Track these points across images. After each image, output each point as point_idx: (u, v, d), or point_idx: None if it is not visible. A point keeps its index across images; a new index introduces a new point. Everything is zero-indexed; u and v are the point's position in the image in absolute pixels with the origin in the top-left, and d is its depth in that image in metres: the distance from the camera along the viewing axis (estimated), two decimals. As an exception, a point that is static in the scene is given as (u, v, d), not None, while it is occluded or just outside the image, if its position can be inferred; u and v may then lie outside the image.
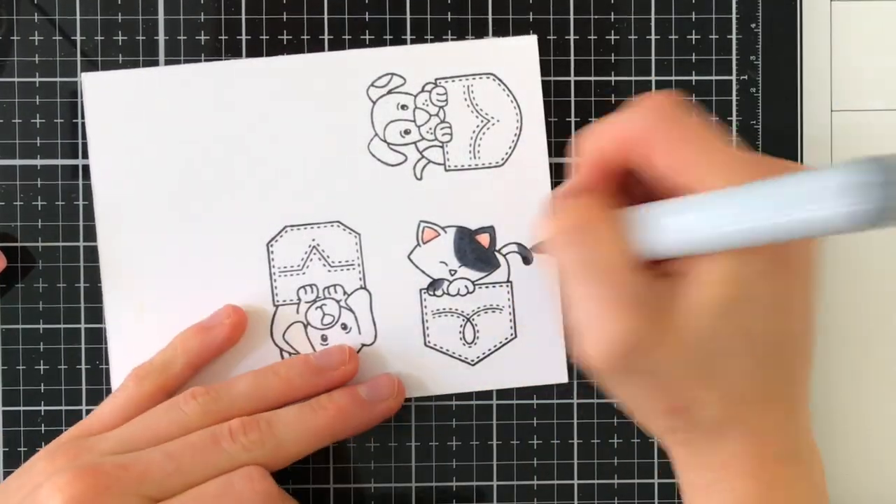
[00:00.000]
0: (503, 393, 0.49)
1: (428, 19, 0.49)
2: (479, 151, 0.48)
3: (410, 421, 0.49)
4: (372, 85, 0.48)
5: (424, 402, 0.49)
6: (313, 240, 0.48)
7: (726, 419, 0.38)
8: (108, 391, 0.48)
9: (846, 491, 0.50)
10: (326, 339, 0.49)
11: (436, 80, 0.48)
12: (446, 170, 0.48)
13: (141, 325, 0.48)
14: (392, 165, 0.48)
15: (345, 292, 0.48)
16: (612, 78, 0.49)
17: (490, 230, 0.48)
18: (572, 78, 0.49)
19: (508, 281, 0.49)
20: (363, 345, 0.49)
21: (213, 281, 0.48)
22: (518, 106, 0.48)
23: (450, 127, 0.48)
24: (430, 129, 0.48)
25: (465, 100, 0.48)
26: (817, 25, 0.50)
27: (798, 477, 0.39)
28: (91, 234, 0.48)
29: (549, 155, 0.49)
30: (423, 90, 0.48)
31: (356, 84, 0.48)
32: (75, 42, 0.48)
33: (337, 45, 0.49)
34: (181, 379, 0.47)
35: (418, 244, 0.48)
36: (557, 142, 0.49)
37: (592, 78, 0.49)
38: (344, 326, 0.49)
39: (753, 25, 0.49)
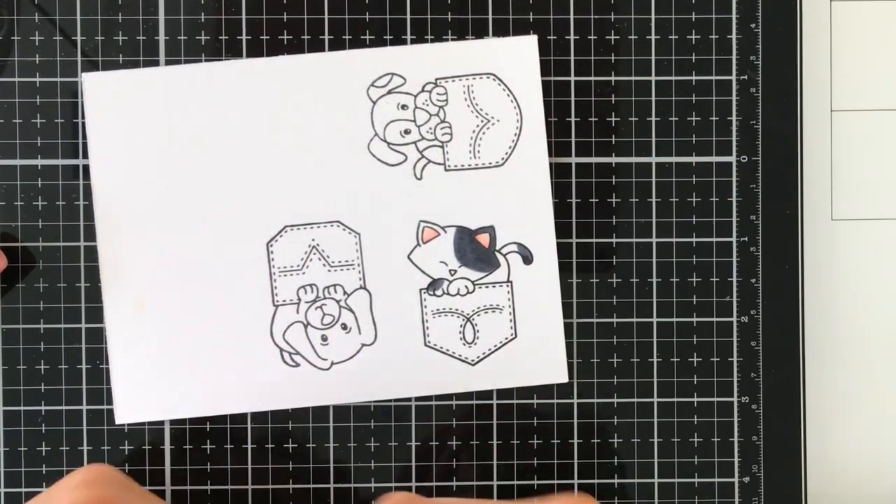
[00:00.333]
0: (503, 393, 0.49)
1: (428, 19, 0.49)
2: (479, 151, 0.48)
3: (410, 421, 0.49)
4: (372, 85, 0.48)
5: (424, 402, 0.49)
6: (313, 239, 0.48)
7: None
8: (108, 391, 0.48)
9: (846, 490, 0.50)
10: (326, 339, 0.49)
11: (436, 79, 0.48)
12: (446, 169, 0.48)
13: (141, 324, 0.48)
14: (392, 165, 0.48)
15: (345, 292, 0.48)
16: (612, 78, 0.49)
17: (490, 230, 0.48)
18: (572, 78, 0.49)
19: (508, 281, 0.49)
20: (363, 345, 0.49)
21: (212, 280, 0.48)
22: (518, 106, 0.48)
23: (450, 127, 0.48)
24: (431, 128, 0.48)
25: (466, 100, 0.48)
26: (817, 25, 0.50)
27: None
28: (91, 233, 0.48)
29: (549, 155, 0.49)
30: (423, 90, 0.48)
31: (356, 84, 0.48)
32: (76, 42, 0.48)
33: (337, 45, 0.49)
34: None
35: (418, 244, 0.48)
36: (557, 142, 0.49)
37: (592, 78, 0.49)
38: (344, 326, 0.49)
39: (753, 25, 0.49)
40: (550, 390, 0.49)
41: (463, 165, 0.48)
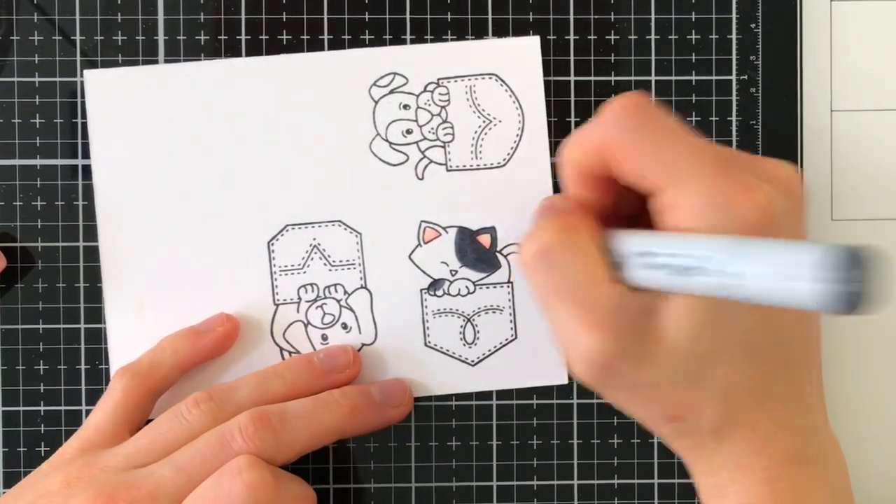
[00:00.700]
0: (503, 393, 0.49)
1: (428, 19, 0.49)
2: (480, 152, 0.48)
3: (410, 421, 0.49)
4: (374, 84, 0.48)
5: (424, 402, 0.49)
6: (314, 239, 0.48)
7: (727, 423, 0.38)
8: (108, 391, 0.48)
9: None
10: (327, 339, 0.48)
11: (438, 80, 0.48)
12: (448, 170, 0.48)
13: (141, 324, 0.48)
14: (393, 165, 0.48)
15: (345, 292, 0.48)
16: (612, 78, 0.49)
17: (491, 230, 0.48)
18: (572, 78, 0.49)
19: (509, 282, 0.49)
20: (363, 344, 0.49)
21: (213, 280, 0.48)
22: (520, 106, 0.48)
23: (452, 127, 0.48)
24: (432, 128, 0.48)
25: (468, 100, 0.48)
26: (817, 25, 0.50)
27: (810, 476, 0.39)
28: (91, 233, 0.48)
29: (551, 155, 0.49)
30: (425, 90, 0.48)
31: (358, 83, 0.48)
32: (75, 42, 0.48)
33: (336, 45, 0.49)
34: (168, 381, 0.46)
35: (419, 244, 0.48)
36: (558, 142, 0.49)
37: (592, 78, 0.49)
38: (344, 326, 0.49)
39: (753, 25, 0.49)
40: (550, 390, 0.49)
41: (465, 166, 0.48)
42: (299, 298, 0.48)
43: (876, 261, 0.29)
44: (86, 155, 0.48)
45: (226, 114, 0.48)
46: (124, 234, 0.48)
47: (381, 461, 0.49)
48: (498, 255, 0.49)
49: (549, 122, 0.49)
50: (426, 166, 0.48)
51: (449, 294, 0.49)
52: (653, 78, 0.49)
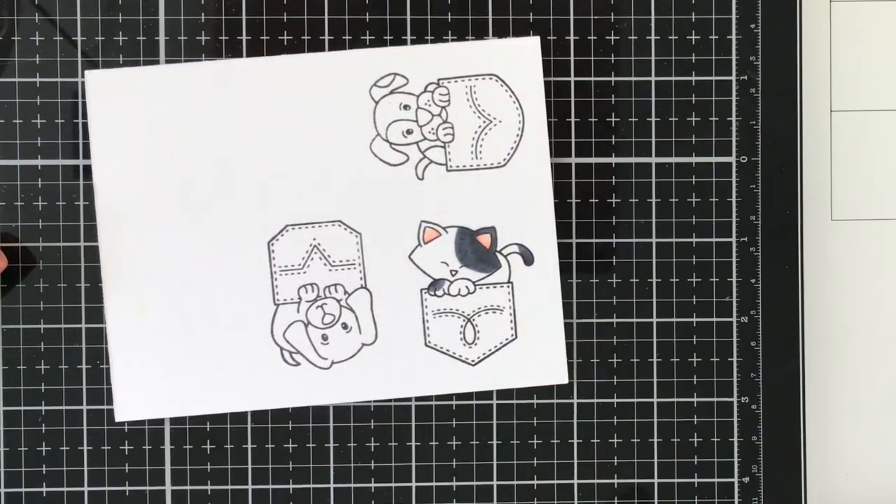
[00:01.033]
0: (503, 393, 0.49)
1: (428, 20, 0.49)
2: (480, 152, 0.48)
3: (411, 421, 0.49)
4: (374, 85, 0.48)
5: (424, 402, 0.49)
6: (314, 239, 0.48)
7: None
8: (108, 391, 0.48)
9: (846, 490, 0.50)
10: (327, 339, 0.49)
11: (438, 80, 0.48)
12: (448, 170, 0.48)
13: (142, 324, 0.48)
14: (394, 165, 0.48)
15: (345, 291, 0.48)
16: (612, 78, 0.49)
17: (491, 230, 0.48)
18: (572, 78, 0.49)
19: (509, 282, 0.49)
20: (363, 344, 0.49)
21: (213, 279, 0.48)
22: (520, 107, 0.48)
23: (452, 127, 0.48)
24: (433, 129, 0.48)
25: (468, 100, 0.48)
26: (817, 25, 0.50)
27: None
28: (91, 234, 0.48)
29: (551, 155, 0.49)
30: (425, 90, 0.48)
31: (359, 84, 0.48)
32: (76, 42, 0.48)
33: (337, 45, 0.49)
34: None
35: (419, 244, 0.48)
36: (557, 142, 0.49)
37: (592, 78, 0.49)
38: (344, 326, 0.49)
39: (753, 25, 0.49)
40: (550, 390, 0.49)
41: (464, 166, 0.48)
42: (299, 298, 0.48)
43: None
44: (87, 155, 0.48)
45: (226, 114, 0.48)
46: (124, 234, 0.48)
47: (382, 460, 0.49)
48: (498, 255, 0.49)
49: (548, 123, 0.49)
50: (426, 166, 0.48)
51: (449, 294, 0.49)
52: (653, 78, 0.49)
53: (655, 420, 0.49)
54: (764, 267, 0.49)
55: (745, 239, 0.49)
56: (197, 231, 0.48)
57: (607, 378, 0.49)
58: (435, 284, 0.49)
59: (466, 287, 0.49)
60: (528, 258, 0.49)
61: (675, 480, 0.49)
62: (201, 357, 0.48)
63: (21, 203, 0.48)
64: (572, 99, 0.49)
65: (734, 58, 0.49)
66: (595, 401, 0.49)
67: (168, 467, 0.49)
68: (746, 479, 0.49)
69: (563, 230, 0.49)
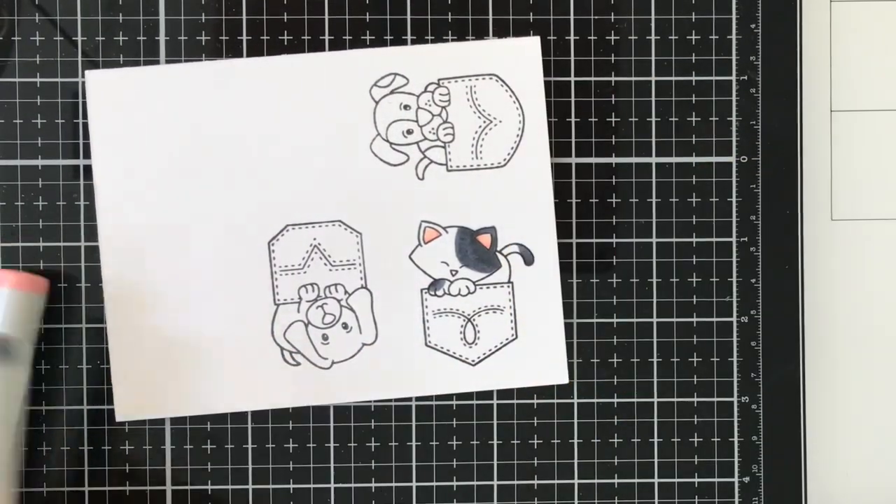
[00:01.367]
0: (503, 393, 0.49)
1: (428, 20, 0.49)
2: (481, 152, 0.48)
3: (411, 421, 0.49)
4: (375, 85, 0.48)
5: (425, 402, 0.49)
6: (314, 239, 0.48)
7: None
8: (108, 391, 0.48)
9: (846, 490, 0.50)
10: (327, 339, 0.49)
11: (439, 80, 0.48)
12: (448, 170, 0.48)
13: (141, 324, 0.48)
14: (394, 165, 0.48)
15: (346, 291, 0.48)
16: (612, 78, 0.49)
17: (491, 230, 0.48)
18: (572, 78, 0.49)
19: (509, 281, 0.49)
20: (364, 344, 0.49)
21: (213, 279, 0.48)
22: (520, 107, 0.48)
23: (452, 127, 0.48)
24: (433, 129, 0.48)
25: (468, 100, 0.48)
26: (817, 25, 0.50)
27: None
28: (91, 234, 0.48)
29: (551, 155, 0.49)
30: (426, 90, 0.48)
31: (359, 84, 0.48)
32: (76, 42, 0.48)
33: (337, 45, 0.49)
34: None
35: (419, 244, 0.48)
36: (557, 142, 0.49)
37: (592, 78, 0.49)
38: (345, 326, 0.49)
39: (753, 25, 0.49)
40: (550, 390, 0.49)
41: (465, 166, 0.48)
42: (300, 298, 0.48)
43: None
44: (87, 155, 0.48)
45: (226, 114, 0.48)
46: (124, 233, 0.48)
47: (382, 460, 0.49)
48: (498, 254, 0.49)
49: (548, 123, 0.49)
50: (426, 166, 0.48)
51: (449, 294, 0.49)
52: (653, 78, 0.49)
53: (655, 420, 0.49)
54: (764, 267, 0.49)
55: (745, 239, 0.49)
56: (197, 231, 0.48)
57: (607, 378, 0.49)
58: (435, 284, 0.49)
59: (467, 287, 0.49)
60: (528, 258, 0.49)
61: (676, 480, 0.49)
62: (202, 357, 0.48)
63: (21, 203, 0.48)
64: (572, 99, 0.49)
65: (734, 58, 0.49)
66: (595, 401, 0.49)
67: (168, 467, 0.49)
68: (747, 479, 0.49)
69: (563, 230, 0.49)
